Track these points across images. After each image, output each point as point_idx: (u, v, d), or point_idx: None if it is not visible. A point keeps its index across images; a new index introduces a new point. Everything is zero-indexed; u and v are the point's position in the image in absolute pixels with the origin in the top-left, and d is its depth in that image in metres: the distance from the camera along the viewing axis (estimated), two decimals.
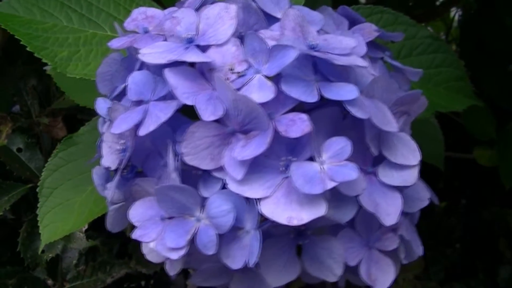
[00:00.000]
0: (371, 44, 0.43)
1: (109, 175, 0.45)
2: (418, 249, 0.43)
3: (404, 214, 0.41)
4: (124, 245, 0.95)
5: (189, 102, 0.36)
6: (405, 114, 0.41)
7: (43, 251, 0.82)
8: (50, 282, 0.85)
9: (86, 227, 0.80)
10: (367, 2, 1.15)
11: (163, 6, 0.60)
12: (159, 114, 0.37)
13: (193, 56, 0.37)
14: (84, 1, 0.58)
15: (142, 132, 0.37)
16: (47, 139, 0.90)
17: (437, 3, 1.13)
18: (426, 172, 0.83)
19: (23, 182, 0.82)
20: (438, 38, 0.61)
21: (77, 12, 0.57)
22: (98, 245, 0.89)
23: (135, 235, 0.39)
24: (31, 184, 0.81)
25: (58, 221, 0.60)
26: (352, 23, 0.45)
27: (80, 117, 0.89)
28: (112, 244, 0.94)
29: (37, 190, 0.61)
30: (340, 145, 0.35)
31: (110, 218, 0.44)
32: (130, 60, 0.43)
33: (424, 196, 0.43)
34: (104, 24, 0.57)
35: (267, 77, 0.36)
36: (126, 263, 0.88)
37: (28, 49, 0.53)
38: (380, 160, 0.39)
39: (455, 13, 1.18)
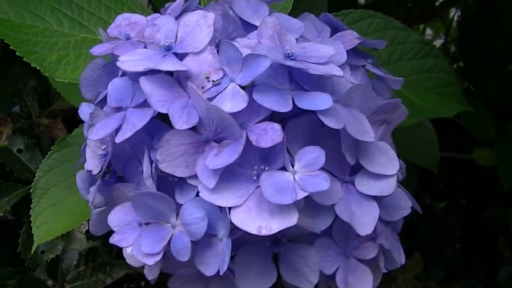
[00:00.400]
0: (353, 52, 0.43)
1: (93, 179, 0.45)
2: (400, 258, 0.43)
3: (384, 222, 0.42)
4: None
5: (163, 110, 0.36)
6: (384, 123, 0.41)
7: (43, 252, 0.83)
8: (50, 282, 0.86)
9: (86, 227, 0.80)
10: (366, 3, 1.15)
11: (157, 10, 0.61)
12: (135, 121, 0.37)
13: (169, 65, 0.37)
14: (75, 5, 0.58)
15: (119, 139, 0.37)
16: (47, 140, 0.90)
17: (437, 3, 1.13)
18: (426, 172, 0.83)
19: (24, 183, 0.82)
20: (429, 43, 0.61)
21: (68, 16, 0.57)
22: (98, 246, 0.90)
23: (113, 239, 0.39)
24: (31, 185, 0.82)
25: (50, 222, 0.61)
26: (335, 30, 0.45)
27: (79, 118, 0.90)
28: (112, 244, 0.95)
29: (30, 191, 0.62)
30: (313, 155, 0.35)
31: (93, 222, 0.45)
32: (112, 66, 0.43)
33: (406, 205, 0.43)
34: (94, 28, 0.57)
35: (242, 86, 0.36)
36: (126, 264, 0.88)
37: (17, 53, 0.54)
38: (358, 169, 0.39)
39: (454, 14, 1.17)
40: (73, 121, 0.90)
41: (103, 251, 0.91)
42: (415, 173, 1.01)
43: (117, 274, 0.88)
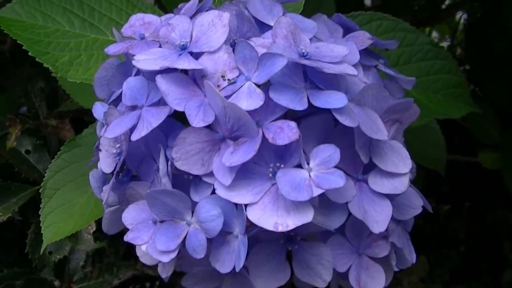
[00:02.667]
0: (365, 52, 0.44)
1: (106, 178, 0.45)
2: (411, 256, 0.43)
3: (396, 221, 0.42)
4: (130, 246, 0.96)
5: (179, 108, 0.36)
6: (397, 122, 0.41)
7: (50, 253, 0.83)
8: (57, 283, 0.86)
9: (94, 228, 0.81)
10: (373, 5, 1.15)
11: (166, 11, 0.61)
12: (151, 120, 0.37)
13: (185, 63, 0.38)
14: (87, 6, 0.59)
15: (134, 137, 0.38)
16: (55, 141, 0.91)
17: (443, 6, 1.14)
18: (431, 175, 0.83)
19: (31, 184, 0.83)
20: (437, 45, 0.61)
21: (79, 17, 0.58)
22: (105, 247, 0.90)
23: (128, 237, 0.39)
24: (39, 186, 0.82)
25: (59, 222, 0.61)
26: (347, 30, 0.45)
27: (87, 119, 0.90)
28: (119, 245, 0.95)
29: (40, 191, 0.62)
30: (328, 153, 0.36)
31: (106, 220, 0.45)
32: (127, 66, 0.44)
33: (417, 204, 0.43)
34: (105, 29, 0.58)
35: (257, 85, 0.36)
36: (133, 265, 0.88)
37: (30, 53, 0.54)
38: (371, 167, 0.40)
39: (460, 17, 1.18)
40: (80, 122, 0.90)
41: (110, 252, 0.91)
42: (421, 175, 1.02)
43: (123, 275, 0.88)
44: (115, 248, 0.93)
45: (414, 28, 0.61)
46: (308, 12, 0.56)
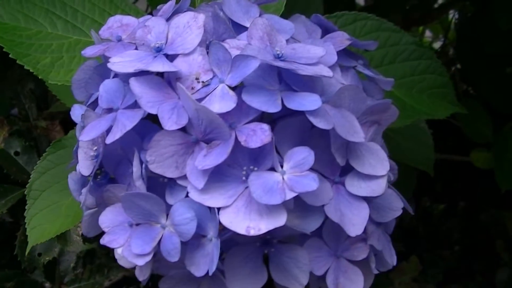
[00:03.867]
0: (344, 53, 0.43)
1: (85, 180, 0.45)
2: (391, 259, 0.43)
3: (375, 223, 0.42)
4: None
5: (152, 111, 0.36)
6: (375, 124, 0.41)
7: (40, 254, 0.83)
8: (48, 285, 0.86)
9: None
10: (366, 5, 1.15)
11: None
12: (125, 122, 0.37)
13: (159, 66, 0.37)
14: (70, 8, 0.58)
15: (109, 139, 0.37)
16: (44, 142, 0.90)
17: (436, 5, 1.13)
18: (424, 175, 0.83)
19: (21, 185, 0.82)
20: (422, 45, 0.61)
21: (62, 18, 0.58)
22: (95, 248, 0.90)
23: (104, 240, 0.39)
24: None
25: (45, 223, 0.61)
26: (325, 31, 0.45)
27: None
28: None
29: (25, 192, 0.62)
30: (303, 155, 0.35)
31: (85, 223, 0.45)
32: (104, 68, 0.43)
33: (397, 206, 0.42)
34: (88, 30, 0.58)
35: (231, 87, 0.36)
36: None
37: (10, 56, 0.54)
38: (349, 170, 0.39)
39: (452, 16, 1.18)
40: (71, 123, 0.90)
41: (100, 254, 0.91)
42: (413, 175, 1.01)
43: (114, 277, 0.88)
44: (106, 249, 0.92)
45: (398, 28, 0.60)
46: (295, 12, 0.56)
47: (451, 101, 0.61)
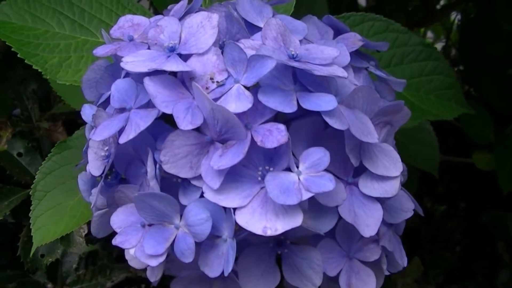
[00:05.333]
0: (356, 54, 0.43)
1: (95, 181, 0.45)
2: (402, 260, 0.43)
3: (387, 225, 0.42)
4: (123, 249, 0.95)
5: (167, 111, 0.36)
6: (387, 125, 0.41)
7: (42, 256, 0.82)
8: (50, 286, 0.86)
9: (86, 231, 0.80)
10: (367, 6, 1.15)
11: (157, 13, 0.61)
12: (139, 122, 0.37)
13: (173, 65, 0.37)
14: (77, 8, 0.58)
15: (122, 139, 0.37)
16: (47, 143, 0.90)
17: (438, 7, 1.13)
18: (426, 176, 0.83)
19: (23, 186, 0.82)
20: (429, 46, 0.61)
21: (69, 18, 0.57)
22: (98, 249, 0.90)
23: (116, 241, 0.39)
24: (31, 188, 0.81)
25: (50, 224, 0.61)
26: (337, 32, 0.45)
27: (80, 121, 0.90)
28: (112, 248, 0.94)
29: (30, 193, 0.62)
30: (318, 156, 0.35)
31: (95, 224, 0.44)
32: (115, 67, 0.43)
33: (408, 207, 0.42)
34: (95, 30, 0.57)
35: (246, 87, 0.36)
36: (126, 267, 0.88)
37: (18, 55, 0.54)
38: (362, 170, 0.39)
39: (455, 17, 1.18)
40: (73, 124, 0.90)
41: (103, 255, 0.90)
42: (415, 176, 1.01)
43: (117, 278, 0.88)
44: (108, 250, 0.92)
45: (406, 29, 0.60)
46: (300, 13, 0.56)
47: (458, 102, 0.61)
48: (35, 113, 0.91)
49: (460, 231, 1.22)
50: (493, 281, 1.16)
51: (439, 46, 1.28)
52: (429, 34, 1.31)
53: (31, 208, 0.61)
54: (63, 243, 0.81)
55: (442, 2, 1.15)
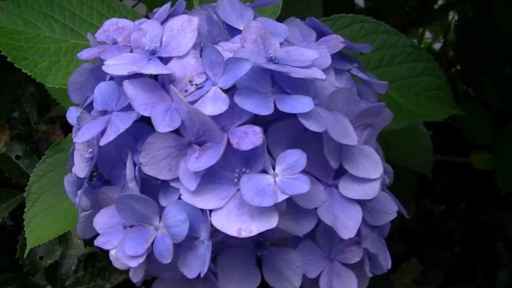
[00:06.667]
0: (339, 56, 0.43)
1: (81, 182, 0.45)
2: (386, 262, 0.43)
3: (370, 227, 0.41)
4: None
5: (145, 114, 0.36)
6: (369, 127, 0.41)
7: (41, 258, 0.83)
8: None
9: None
10: (366, 7, 1.15)
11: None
12: (118, 124, 0.37)
13: (153, 68, 0.37)
14: (68, 11, 0.59)
15: (103, 141, 0.38)
16: (45, 146, 0.91)
17: (436, 7, 1.13)
18: (425, 176, 0.83)
19: (22, 189, 0.82)
20: (419, 47, 0.61)
21: (60, 22, 0.58)
22: (96, 251, 0.90)
23: (98, 242, 0.39)
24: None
25: (43, 226, 0.61)
26: (320, 34, 0.45)
27: None
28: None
29: (24, 195, 0.62)
30: (295, 158, 0.35)
31: (81, 225, 0.45)
32: (100, 70, 0.43)
33: (391, 209, 0.42)
34: (86, 34, 0.58)
35: (223, 90, 0.36)
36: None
37: (8, 59, 0.54)
38: (343, 172, 0.39)
39: (452, 17, 1.18)
40: (71, 127, 0.90)
41: (101, 257, 0.91)
42: (413, 177, 1.01)
43: (115, 280, 0.88)
44: (107, 252, 0.93)
45: (395, 31, 0.60)
46: (294, 15, 0.56)
47: (448, 103, 0.61)
48: (33, 116, 0.91)
49: (459, 231, 1.21)
50: (492, 281, 1.15)
51: (437, 46, 1.28)
52: (428, 34, 1.31)
53: (25, 210, 0.62)
54: (61, 245, 0.81)
55: (439, 2, 1.15)
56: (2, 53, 0.55)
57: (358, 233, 0.39)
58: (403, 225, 1.16)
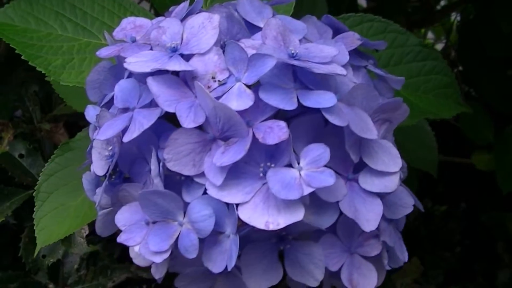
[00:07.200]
0: (355, 53, 0.44)
1: (99, 180, 0.46)
2: (403, 255, 0.44)
3: (387, 220, 0.42)
4: (124, 249, 0.96)
5: (170, 110, 0.37)
6: (386, 122, 0.41)
7: (44, 256, 0.83)
8: (51, 286, 0.86)
9: (87, 232, 0.81)
10: (368, 7, 1.16)
11: (158, 14, 0.62)
12: (142, 121, 0.38)
13: (176, 65, 0.38)
14: (79, 10, 0.59)
15: (126, 138, 0.38)
16: (48, 145, 0.91)
17: (438, 7, 1.14)
18: (426, 176, 0.84)
19: (25, 188, 0.83)
20: (427, 46, 0.62)
21: (72, 20, 0.58)
22: (99, 250, 0.90)
23: (121, 239, 0.40)
24: (33, 190, 0.82)
25: (53, 225, 0.62)
26: (336, 31, 0.45)
27: (81, 123, 0.90)
28: (113, 248, 0.95)
29: (33, 194, 0.63)
30: (318, 152, 0.36)
31: (99, 223, 0.45)
32: (118, 68, 0.44)
33: (408, 203, 0.43)
34: (98, 32, 0.58)
35: (247, 85, 0.37)
36: (127, 268, 0.89)
37: (22, 57, 0.54)
38: (362, 166, 0.40)
39: (454, 18, 1.19)
40: (74, 126, 0.90)
41: (104, 255, 0.91)
42: (415, 177, 1.02)
43: (118, 278, 0.88)
44: (109, 251, 0.93)
45: (404, 30, 0.61)
46: (301, 14, 0.57)
47: (456, 101, 0.62)
48: (36, 115, 0.91)
49: (460, 231, 1.22)
50: (493, 281, 1.16)
51: (439, 46, 1.29)
52: (430, 35, 1.32)
53: (34, 209, 0.62)
54: (64, 244, 0.81)
55: (442, 3, 1.16)
56: (16, 51, 0.55)
57: (377, 227, 0.40)
58: (405, 225, 1.17)
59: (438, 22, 1.17)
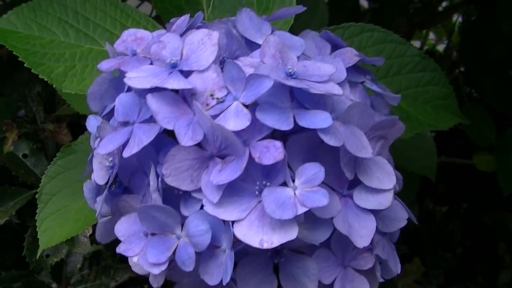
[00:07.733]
0: (352, 68, 0.44)
1: (99, 189, 0.46)
2: (396, 267, 0.44)
3: (381, 233, 0.43)
4: None
5: (169, 127, 0.37)
6: (382, 139, 0.42)
7: (47, 256, 0.84)
8: (54, 285, 0.87)
9: (90, 232, 0.82)
10: (369, 8, 1.16)
11: (160, 18, 0.62)
12: (142, 137, 0.38)
13: (175, 83, 0.38)
14: (81, 16, 0.59)
15: (126, 153, 0.39)
16: (52, 145, 0.91)
17: (440, 8, 1.14)
18: (427, 177, 0.84)
19: (29, 187, 0.83)
20: (426, 57, 0.62)
21: (74, 27, 0.59)
22: (102, 250, 0.91)
23: (120, 249, 0.41)
24: (36, 189, 0.83)
25: (55, 227, 0.62)
26: (335, 47, 0.46)
27: (84, 123, 0.91)
28: (116, 248, 0.96)
29: (36, 196, 0.63)
30: (313, 171, 0.37)
31: (99, 230, 0.46)
32: (119, 81, 0.45)
33: (402, 217, 0.44)
34: (100, 39, 0.59)
35: (245, 105, 0.37)
36: (129, 268, 0.89)
37: (25, 65, 0.55)
38: (357, 183, 0.40)
39: (456, 19, 1.19)
40: (78, 126, 0.91)
41: (106, 255, 0.92)
42: (416, 178, 1.02)
43: (120, 278, 0.89)
44: (112, 250, 0.94)
45: (403, 40, 0.61)
46: (300, 22, 0.57)
47: (454, 112, 0.62)
48: (40, 115, 0.92)
49: (461, 232, 1.23)
50: (494, 282, 1.17)
51: (441, 47, 1.29)
52: (431, 36, 1.32)
53: (37, 211, 0.63)
54: (67, 244, 0.82)
55: (443, 4, 1.16)
56: (19, 59, 0.55)
57: (371, 241, 0.41)
58: (406, 226, 1.17)
59: (440, 23, 1.17)
